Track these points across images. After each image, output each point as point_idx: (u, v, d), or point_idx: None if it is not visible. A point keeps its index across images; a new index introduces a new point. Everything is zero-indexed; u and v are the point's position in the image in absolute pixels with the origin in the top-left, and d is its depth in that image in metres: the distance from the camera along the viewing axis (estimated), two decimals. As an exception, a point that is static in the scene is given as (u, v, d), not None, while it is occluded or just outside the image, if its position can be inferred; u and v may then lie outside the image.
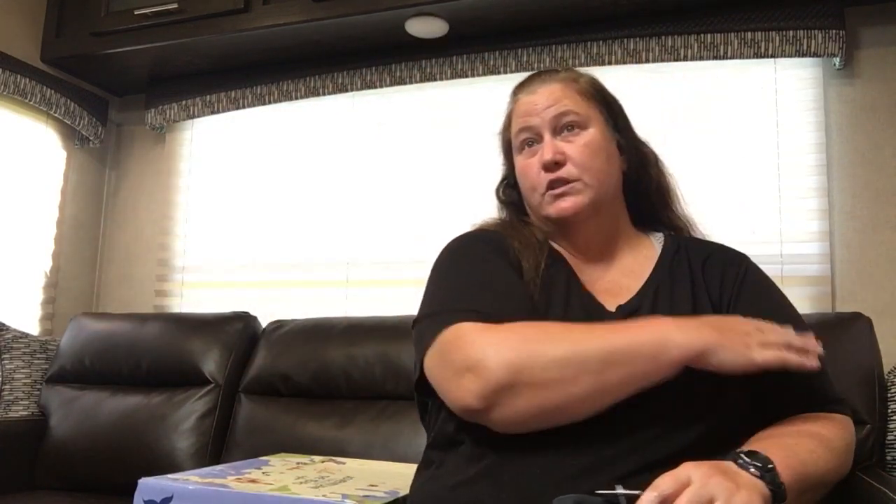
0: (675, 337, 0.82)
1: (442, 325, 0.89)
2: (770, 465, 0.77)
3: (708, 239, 1.12)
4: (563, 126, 1.04)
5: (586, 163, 1.02)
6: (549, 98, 1.05)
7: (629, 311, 0.98)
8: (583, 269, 1.06)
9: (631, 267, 1.06)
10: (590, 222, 1.05)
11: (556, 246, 1.09)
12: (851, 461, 0.94)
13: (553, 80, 1.08)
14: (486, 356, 0.83)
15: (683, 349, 0.82)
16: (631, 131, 1.12)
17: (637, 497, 0.72)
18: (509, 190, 1.15)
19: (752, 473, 0.75)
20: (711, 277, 1.03)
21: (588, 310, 0.99)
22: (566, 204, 1.02)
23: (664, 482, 0.72)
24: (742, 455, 0.78)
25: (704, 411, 0.88)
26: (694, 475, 0.71)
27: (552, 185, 1.02)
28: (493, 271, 0.97)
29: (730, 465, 0.76)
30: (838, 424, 0.93)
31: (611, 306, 1.00)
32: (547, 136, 1.04)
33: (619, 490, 0.74)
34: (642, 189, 1.11)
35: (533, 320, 0.89)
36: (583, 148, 1.03)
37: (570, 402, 0.83)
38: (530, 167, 1.05)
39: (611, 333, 0.84)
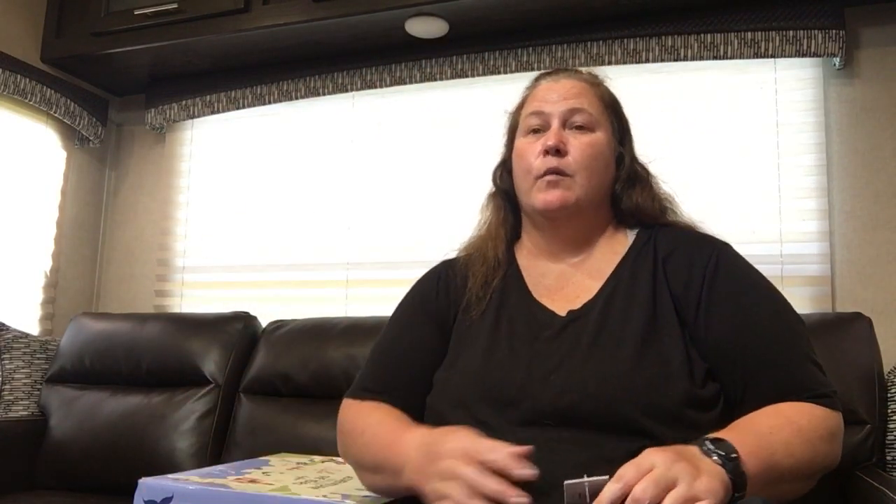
0: (406, 470, 0.88)
1: (347, 392, 1.12)
2: (734, 455, 0.76)
3: (693, 229, 1.08)
4: (574, 122, 1.06)
5: (585, 161, 1.04)
6: (570, 91, 1.07)
7: (579, 315, 1.00)
8: (550, 271, 1.08)
9: (598, 266, 1.06)
10: (570, 221, 1.06)
11: (525, 251, 1.12)
12: (837, 453, 0.91)
13: (577, 77, 1.11)
14: (338, 433, 1.09)
15: (405, 486, 0.89)
16: (632, 150, 1.13)
17: (601, 485, 0.72)
18: (506, 175, 1.15)
19: (714, 461, 0.75)
20: (675, 272, 1.00)
21: (538, 319, 1.02)
22: (553, 197, 1.03)
23: (627, 472, 0.72)
24: (707, 442, 0.78)
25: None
26: (657, 460, 0.72)
27: (547, 171, 1.03)
28: (393, 342, 1.12)
29: (694, 450, 0.77)
30: (821, 415, 0.89)
31: (563, 311, 1.01)
32: (555, 125, 1.05)
33: (585, 479, 0.74)
34: (623, 204, 1.10)
35: (414, 379, 1.06)
36: (586, 146, 1.04)
37: (371, 490, 1.00)
38: (530, 150, 1.06)
39: (382, 449, 0.95)
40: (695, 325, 0.96)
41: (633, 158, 1.13)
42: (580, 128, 1.05)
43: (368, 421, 1.01)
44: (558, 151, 1.03)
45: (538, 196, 1.04)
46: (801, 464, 0.85)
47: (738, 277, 1.00)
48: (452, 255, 1.20)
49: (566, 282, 1.06)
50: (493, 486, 0.76)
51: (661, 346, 0.93)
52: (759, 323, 0.95)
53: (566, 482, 0.73)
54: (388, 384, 1.07)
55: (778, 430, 0.85)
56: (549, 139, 1.03)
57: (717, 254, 1.01)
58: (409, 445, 0.89)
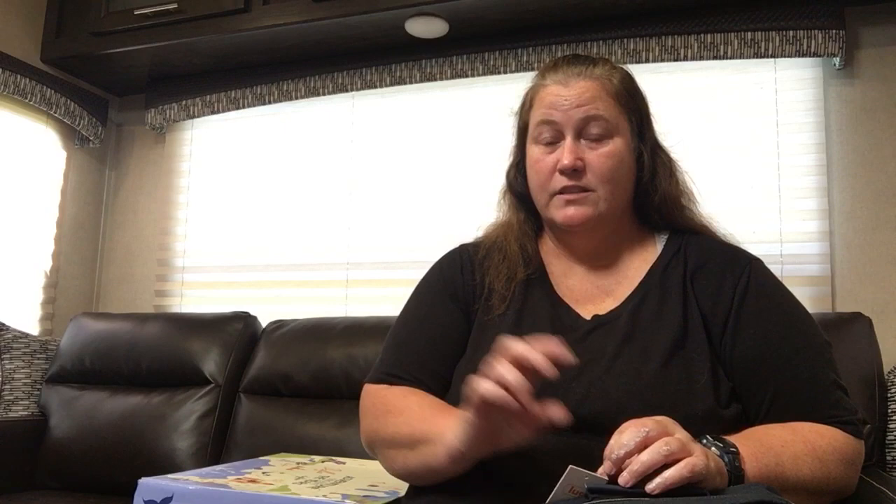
0: (447, 437, 0.84)
1: (369, 377, 1.07)
2: (732, 449, 0.79)
3: (723, 239, 1.06)
4: (590, 131, 0.99)
5: (605, 175, 0.98)
6: (581, 97, 0.98)
7: (605, 321, 0.98)
8: (574, 273, 1.06)
9: (626, 273, 1.03)
10: (594, 232, 1.03)
11: (547, 248, 1.09)
12: (853, 479, 0.90)
13: (588, 76, 1.00)
14: (362, 417, 1.03)
15: (446, 448, 0.85)
16: (653, 137, 1.07)
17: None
18: (520, 178, 1.09)
19: (713, 451, 0.77)
20: (704, 288, 0.98)
21: (562, 320, 0.99)
22: (574, 212, 0.99)
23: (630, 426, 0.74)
24: (705, 438, 0.80)
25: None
26: (674, 430, 0.74)
27: (565, 189, 0.99)
28: (420, 326, 1.07)
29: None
30: (841, 439, 0.88)
31: (588, 315, 0.99)
32: (569, 139, 0.98)
33: (589, 472, 0.73)
34: (650, 198, 1.06)
35: (441, 368, 1.02)
36: (605, 159, 0.98)
37: (400, 473, 0.96)
38: (544, 165, 1.01)
39: (424, 422, 0.91)
40: (721, 343, 0.95)
41: (655, 150, 1.06)
42: (597, 137, 0.98)
43: (407, 403, 0.96)
44: (575, 171, 0.97)
45: (557, 213, 1.00)
46: (809, 481, 0.84)
47: (767, 298, 0.97)
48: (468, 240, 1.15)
49: (591, 284, 1.04)
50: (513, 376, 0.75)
51: (688, 363, 0.92)
52: (787, 345, 0.94)
53: (571, 466, 0.72)
54: (418, 373, 1.01)
55: (790, 444, 0.85)
56: (564, 158, 0.97)
57: (749, 273, 0.98)
58: (459, 416, 0.85)
